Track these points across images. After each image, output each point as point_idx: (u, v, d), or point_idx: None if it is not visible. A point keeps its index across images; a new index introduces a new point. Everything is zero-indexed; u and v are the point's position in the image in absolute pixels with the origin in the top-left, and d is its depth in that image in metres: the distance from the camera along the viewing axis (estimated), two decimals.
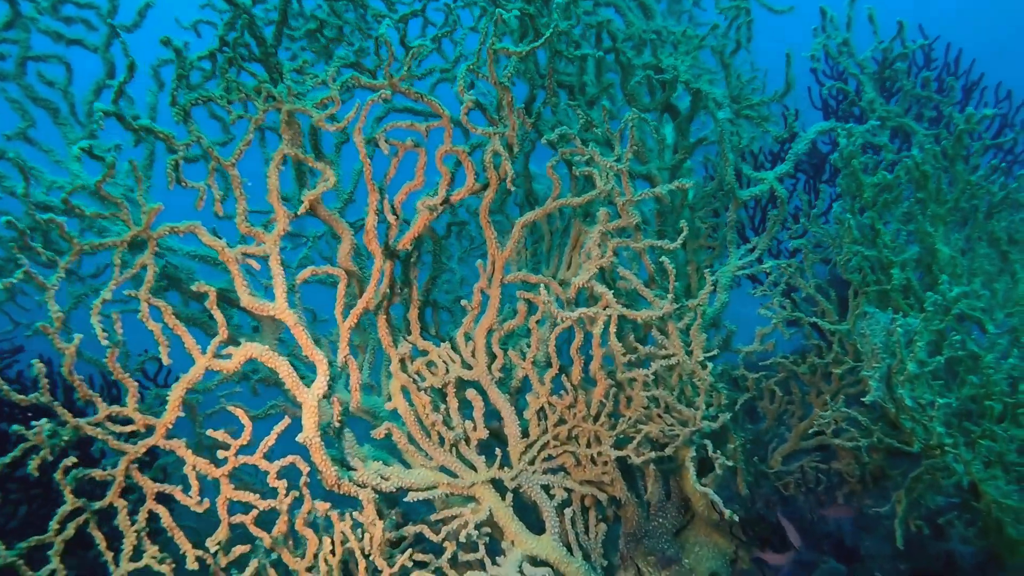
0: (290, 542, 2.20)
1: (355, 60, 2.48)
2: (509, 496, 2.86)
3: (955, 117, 2.66)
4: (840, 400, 2.79)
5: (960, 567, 2.63)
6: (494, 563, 2.77)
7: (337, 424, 2.28)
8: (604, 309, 2.48)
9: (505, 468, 2.85)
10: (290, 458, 2.08)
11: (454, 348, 2.78)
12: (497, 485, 2.90)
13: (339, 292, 2.29)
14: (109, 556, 1.86)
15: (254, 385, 3.07)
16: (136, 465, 1.96)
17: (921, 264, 2.67)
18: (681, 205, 3.26)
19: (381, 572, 2.24)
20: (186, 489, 1.96)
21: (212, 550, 1.92)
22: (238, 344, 2.05)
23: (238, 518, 2.02)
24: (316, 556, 2.20)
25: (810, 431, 3.18)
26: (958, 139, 2.68)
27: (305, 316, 3.28)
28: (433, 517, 2.64)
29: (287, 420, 2.02)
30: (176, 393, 1.89)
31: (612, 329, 2.49)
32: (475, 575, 2.65)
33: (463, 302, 2.70)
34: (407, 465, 2.75)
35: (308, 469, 2.11)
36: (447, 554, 2.55)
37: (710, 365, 2.68)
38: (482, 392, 2.83)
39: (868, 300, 2.50)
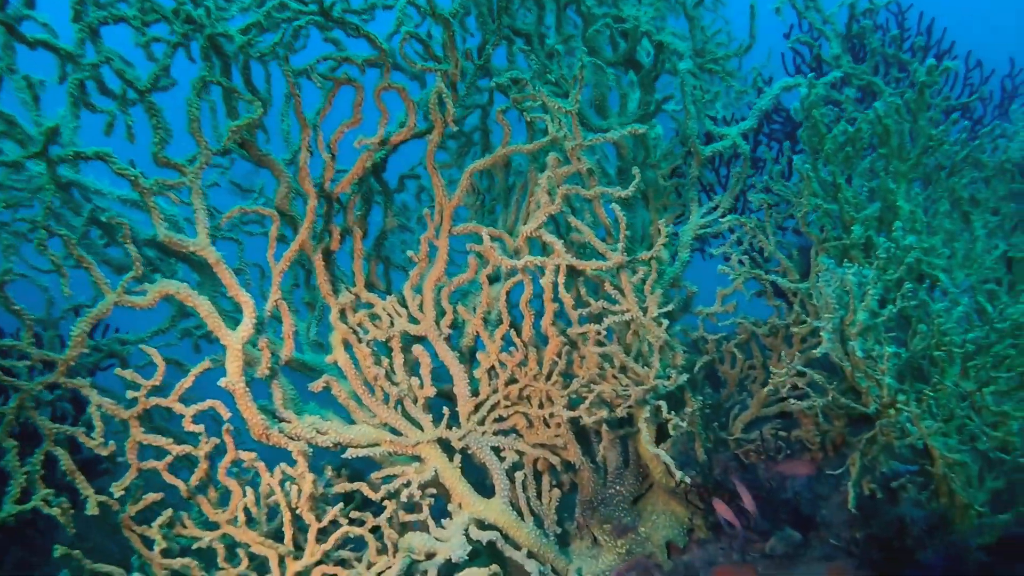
0: (212, 493, 2.09)
1: None
2: (457, 458, 2.76)
3: (917, 72, 2.56)
4: (797, 360, 2.71)
5: (911, 531, 2.55)
6: (439, 525, 2.67)
7: (266, 372, 2.17)
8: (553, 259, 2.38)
9: (453, 428, 2.76)
10: (209, 402, 1.96)
11: (401, 302, 2.67)
12: (446, 447, 2.80)
13: (271, 234, 2.18)
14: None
15: (196, 341, 2.95)
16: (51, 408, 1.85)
17: (883, 222, 2.59)
18: (644, 163, 3.16)
19: (309, 527, 2.13)
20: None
21: (116, 495, 1.81)
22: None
23: (150, 464, 1.91)
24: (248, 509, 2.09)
25: (772, 398, 3.10)
26: (920, 92, 2.59)
27: (253, 273, 3.17)
28: (374, 475, 2.54)
29: (207, 363, 1.91)
30: (80, 328, 1.77)
31: (560, 279, 2.39)
32: (417, 536, 2.55)
33: (409, 252, 2.60)
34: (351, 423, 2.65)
35: (230, 415, 2.00)
36: (387, 513, 2.45)
37: (665, 322, 2.59)
38: (431, 349, 2.74)
39: (828, 257, 2.41)
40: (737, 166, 2.95)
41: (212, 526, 2.06)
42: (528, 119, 2.56)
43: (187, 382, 1.93)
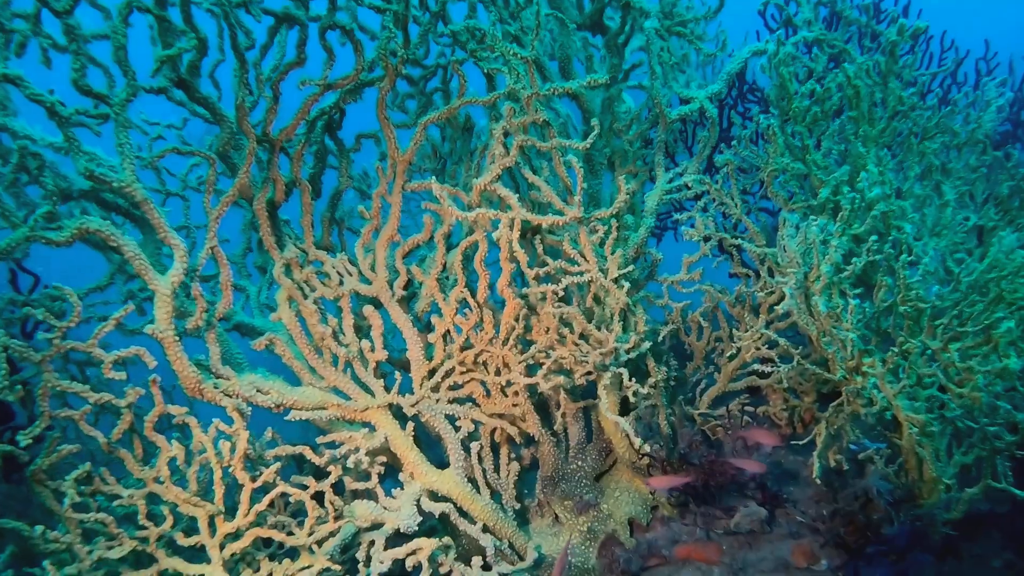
0: (139, 450, 1.96)
1: None
2: (410, 426, 2.64)
3: (888, 32, 2.49)
4: (762, 323, 2.62)
5: (877, 505, 2.47)
6: (388, 495, 2.56)
7: (199, 323, 2.05)
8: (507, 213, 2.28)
9: (407, 395, 2.64)
10: (133, 350, 1.84)
11: (352, 261, 2.56)
12: (399, 414, 2.69)
13: (208, 179, 2.06)
14: None
15: (140, 304, 2.82)
16: None
17: (852, 186, 2.51)
18: (610, 128, 3.07)
19: (242, 487, 2.01)
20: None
21: (23, 443, 1.68)
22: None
23: (64, 413, 1.78)
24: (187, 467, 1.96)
25: (739, 372, 3.01)
26: (891, 53, 2.52)
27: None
28: (319, 439, 2.42)
29: (129, 307, 1.79)
30: None
31: (515, 234, 2.29)
32: (364, 504, 2.43)
33: (359, 208, 2.49)
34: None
35: (155, 363, 1.87)
36: (331, 479, 2.32)
37: (626, 285, 2.49)
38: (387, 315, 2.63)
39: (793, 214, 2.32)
40: (705, 131, 2.86)
41: (137, 484, 1.93)
42: (485, 71, 2.45)
43: (107, 327, 1.81)
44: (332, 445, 2.50)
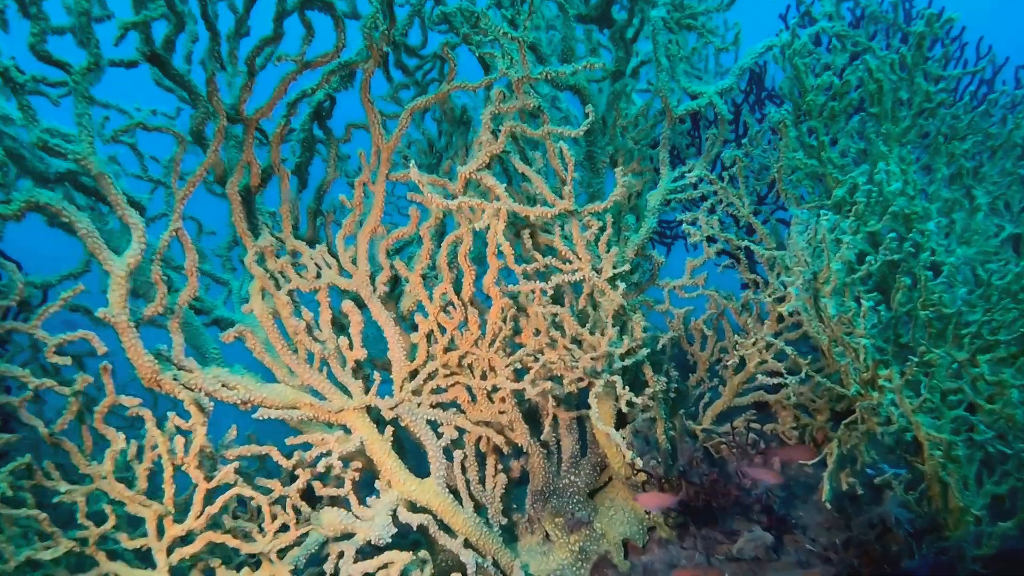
0: (88, 442, 1.83)
1: None
2: (389, 430, 2.49)
3: (916, 25, 2.32)
4: (767, 330, 2.42)
5: (895, 535, 2.25)
6: (363, 503, 2.39)
7: (159, 310, 1.92)
8: (494, 202, 2.13)
9: (386, 398, 2.49)
10: (80, 333, 1.71)
11: (332, 252, 2.42)
12: (378, 418, 2.53)
13: (175, 157, 1.94)
14: None
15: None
16: None
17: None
18: (613, 126, 2.91)
19: (196, 487, 1.86)
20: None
21: None
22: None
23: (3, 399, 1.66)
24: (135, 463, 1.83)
25: (746, 386, 2.81)
26: (918, 45, 2.34)
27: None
28: (288, 440, 2.27)
29: (79, 287, 1.66)
30: None
31: (500, 225, 2.14)
32: (333, 512, 2.27)
33: (341, 197, 2.36)
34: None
35: (105, 350, 1.75)
36: (298, 483, 2.17)
37: (622, 285, 2.32)
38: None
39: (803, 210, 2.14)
40: (714, 129, 2.69)
41: (84, 479, 1.79)
42: (479, 56, 2.32)
43: (53, 307, 1.69)
44: (304, 447, 2.35)
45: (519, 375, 2.54)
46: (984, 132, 2.55)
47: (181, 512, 1.87)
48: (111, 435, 1.83)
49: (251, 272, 2.20)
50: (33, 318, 1.68)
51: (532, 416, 2.82)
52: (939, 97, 2.30)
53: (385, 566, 2.24)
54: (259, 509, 2.17)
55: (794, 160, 2.24)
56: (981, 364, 1.74)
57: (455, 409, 2.59)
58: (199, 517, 1.83)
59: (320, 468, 2.24)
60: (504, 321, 2.41)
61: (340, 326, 2.70)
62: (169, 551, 1.81)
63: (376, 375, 2.43)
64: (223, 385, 2.12)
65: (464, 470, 2.61)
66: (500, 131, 2.12)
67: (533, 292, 2.23)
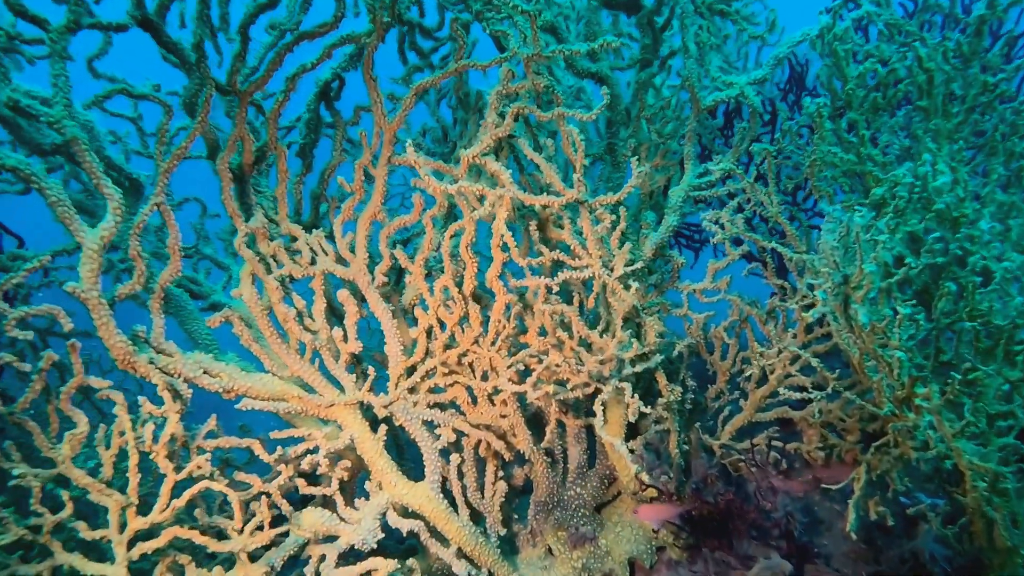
0: (54, 424, 1.73)
1: None
2: (383, 429, 2.35)
3: (974, 7, 2.10)
4: (790, 341, 2.22)
5: (930, 572, 2.02)
6: (350, 504, 2.26)
7: (138, 287, 1.82)
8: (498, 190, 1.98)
9: (382, 395, 2.35)
10: (46, 307, 1.61)
11: (330, 238, 2.30)
12: (372, 416, 2.40)
13: (159, 128, 1.84)
14: None
15: (118, 275, 2.64)
16: None
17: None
18: (637, 118, 2.74)
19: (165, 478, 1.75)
20: None
21: None
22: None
23: None
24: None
25: (770, 401, 2.60)
26: (977, 31, 2.12)
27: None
28: (272, 434, 2.15)
29: (46, 258, 1.56)
30: None
31: (503, 213, 1.99)
32: (315, 513, 2.14)
33: (340, 179, 2.24)
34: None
35: (71, 327, 1.64)
36: (279, 479, 2.05)
37: (635, 285, 2.15)
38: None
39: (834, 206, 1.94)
40: (745, 123, 2.50)
41: (46, 463, 1.69)
42: (490, 32, 2.18)
43: (16, 279, 1.59)
44: (292, 442, 2.22)
45: (524, 377, 2.38)
46: None
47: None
48: (78, 418, 1.73)
49: (240, 254, 2.09)
50: None
51: (537, 422, 2.65)
52: (999, 89, 2.08)
53: (368, 573, 2.11)
54: (246, 505, 2.05)
55: (829, 155, 2.04)
56: None
57: (454, 411, 2.45)
58: (164, 510, 1.72)
59: (305, 465, 2.12)
60: (508, 319, 2.25)
61: (341, 317, 2.59)
62: (129, 545, 1.70)
63: (371, 369, 2.30)
64: (204, 372, 2.01)
65: (461, 475, 2.45)
66: (508, 113, 1.97)
67: (539, 289, 2.07)
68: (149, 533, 1.77)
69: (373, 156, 2.22)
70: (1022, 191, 2.22)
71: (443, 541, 2.40)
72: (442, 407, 2.45)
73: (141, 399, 1.78)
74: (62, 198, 1.64)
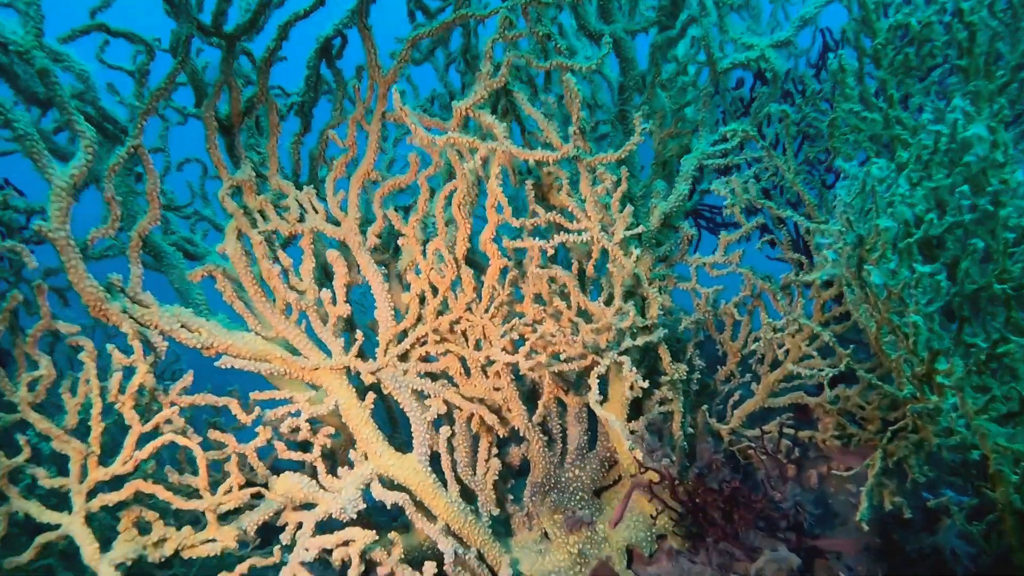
0: (20, 367, 1.67)
1: None
2: (370, 397, 2.26)
3: None
4: (798, 313, 2.06)
5: (951, 570, 1.84)
6: (331, 473, 2.17)
7: (111, 232, 1.75)
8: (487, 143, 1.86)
9: (371, 361, 2.26)
10: (9, 244, 1.56)
11: (321, 196, 2.22)
12: (361, 383, 2.31)
13: (138, 67, 1.77)
14: None
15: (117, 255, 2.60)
16: None
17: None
18: (652, 84, 2.60)
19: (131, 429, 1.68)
20: None
21: None
22: None
23: None
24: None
25: (784, 385, 2.44)
26: None
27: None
28: (253, 395, 2.07)
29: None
30: None
31: (495, 169, 1.87)
32: (293, 478, 2.05)
33: (331, 133, 2.15)
34: None
35: (35, 265, 1.58)
36: (257, 441, 1.97)
37: (636, 251, 2.02)
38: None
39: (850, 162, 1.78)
40: (766, 88, 2.34)
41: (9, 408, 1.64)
42: None
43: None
44: (272, 404, 2.15)
45: (520, 348, 2.26)
46: None
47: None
48: (43, 363, 1.67)
49: (225, 207, 2.02)
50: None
51: (536, 398, 2.54)
52: None
53: (346, 543, 2.02)
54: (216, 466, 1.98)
55: (852, 116, 1.88)
56: None
57: (446, 381, 2.34)
58: (126, 463, 1.65)
59: (284, 429, 2.03)
60: (502, 285, 2.14)
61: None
62: (89, 495, 1.64)
63: (359, 334, 2.21)
64: (183, 326, 1.94)
65: (452, 449, 2.35)
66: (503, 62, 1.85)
67: (535, 254, 1.95)
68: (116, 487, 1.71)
69: (367, 110, 2.13)
70: None
71: (432, 518, 2.30)
72: (434, 377, 2.35)
73: (110, 347, 1.72)
74: (30, 132, 1.59)
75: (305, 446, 2.28)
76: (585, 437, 2.56)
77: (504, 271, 2.13)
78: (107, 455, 1.68)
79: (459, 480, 2.40)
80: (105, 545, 1.68)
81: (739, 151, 2.38)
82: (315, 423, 2.26)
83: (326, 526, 2.07)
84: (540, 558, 2.50)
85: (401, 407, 2.31)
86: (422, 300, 2.25)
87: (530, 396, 2.57)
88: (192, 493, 1.87)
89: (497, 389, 2.32)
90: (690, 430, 2.42)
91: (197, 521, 1.87)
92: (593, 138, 2.84)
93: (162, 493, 1.69)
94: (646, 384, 1.99)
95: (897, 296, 1.45)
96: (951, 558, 1.87)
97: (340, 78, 2.49)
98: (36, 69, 1.57)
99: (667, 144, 2.58)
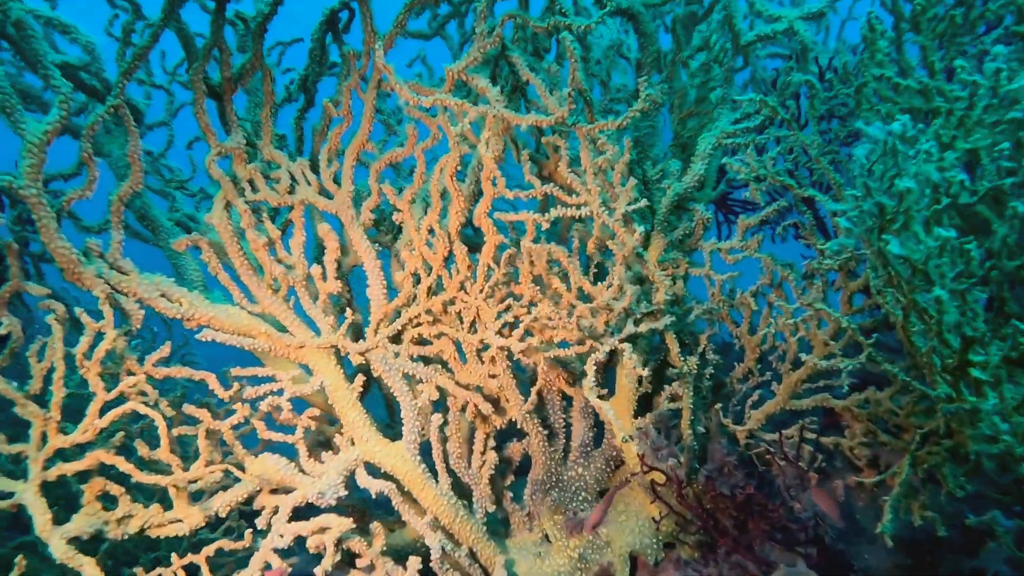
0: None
1: None
2: (359, 379, 2.16)
3: None
4: (814, 296, 1.87)
5: None
6: (313, 456, 2.07)
7: (88, 194, 1.70)
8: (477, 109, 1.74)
9: (361, 342, 2.16)
10: None
11: (314, 168, 2.14)
12: (351, 364, 2.21)
13: (122, 25, 1.72)
14: None
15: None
16: None
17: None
18: (673, 61, 2.44)
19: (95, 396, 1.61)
20: None
21: None
22: None
23: None
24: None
25: (807, 386, 2.23)
26: None
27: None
28: (234, 371, 1.99)
29: None
30: None
31: (485, 135, 1.75)
32: (271, 459, 1.96)
33: (324, 101, 2.07)
34: None
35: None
36: (234, 418, 1.89)
37: (639, 229, 1.86)
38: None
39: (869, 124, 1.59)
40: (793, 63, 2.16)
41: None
42: None
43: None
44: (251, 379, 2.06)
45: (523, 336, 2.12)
46: None
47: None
48: (6, 321, 1.62)
49: (210, 173, 1.95)
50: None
51: (539, 389, 2.39)
52: None
53: (322, 531, 1.91)
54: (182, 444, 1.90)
55: (882, 82, 1.69)
56: None
57: (439, 366, 2.23)
58: (87, 431, 1.58)
59: (264, 407, 1.95)
60: (498, 264, 2.01)
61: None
62: (47, 464, 1.57)
63: (349, 312, 2.11)
64: (163, 295, 1.87)
65: (445, 439, 2.22)
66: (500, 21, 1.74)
67: (531, 229, 1.82)
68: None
69: (362, 78, 2.04)
70: None
71: (419, 510, 2.18)
72: (428, 362, 2.23)
73: (78, 311, 1.66)
74: (3, 85, 1.54)
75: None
76: (591, 434, 2.40)
77: (502, 249, 2.00)
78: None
79: (453, 474, 2.27)
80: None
81: (761, 132, 2.20)
82: (303, 405, 2.17)
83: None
84: (538, 561, 2.35)
85: (391, 391, 2.20)
86: (418, 281, 2.14)
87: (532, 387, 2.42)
88: (164, 470, 1.79)
89: (493, 376, 2.19)
90: (702, 430, 2.24)
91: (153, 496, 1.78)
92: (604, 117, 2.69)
93: (123, 465, 1.62)
94: (647, 372, 1.82)
95: (922, 271, 1.26)
96: None
97: (344, 51, 2.41)
98: (12, 21, 1.52)
99: (686, 124, 2.42)
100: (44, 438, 1.59)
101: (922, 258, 1.23)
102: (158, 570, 1.68)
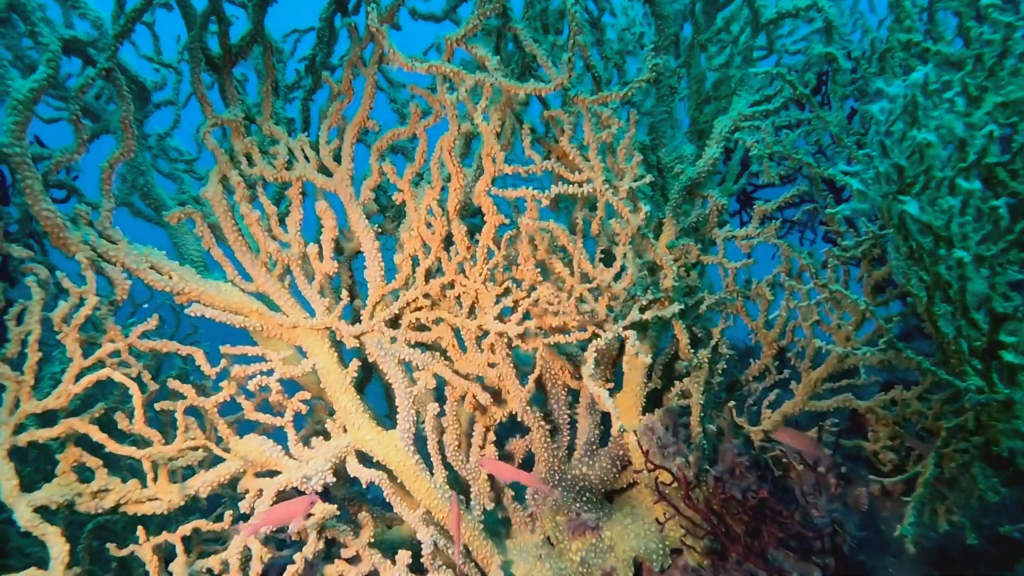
0: None
1: None
2: (355, 363, 2.08)
3: None
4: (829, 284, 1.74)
5: None
6: (302, 442, 1.99)
7: (77, 157, 1.67)
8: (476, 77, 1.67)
9: (356, 325, 2.09)
10: None
11: (314, 146, 2.08)
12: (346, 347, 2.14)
13: None
14: None
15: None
16: None
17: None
18: (691, 45, 2.35)
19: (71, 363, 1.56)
20: None
21: None
22: None
23: None
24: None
25: (827, 386, 2.09)
26: None
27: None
28: (224, 349, 1.93)
29: None
30: None
31: (482, 105, 1.68)
32: (255, 441, 1.89)
33: (324, 76, 2.02)
34: None
35: None
36: (219, 396, 1.83)
37: (646, 208, 1.76)
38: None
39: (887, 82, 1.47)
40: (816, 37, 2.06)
41: None
42: None
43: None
44: (239, 359, 2.00)
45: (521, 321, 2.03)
46: None
47: None
48: None
49: (204, 144, 1.91)
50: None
51: (545, 382, 2.29)
52: None
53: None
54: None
55: (908, 49, 1.57)
56: None
57: (438, 353, 2.14)
58: (59, 397, 1.53)
59: (251, 387, 1.88)
60: (499, 245, 1.92)
61: (341, 250, 2.37)
62: (17, 430, 1.52)
63: (345, 293, 2.04)
64: (152, 268, 1.83)
65: (441, 431, 2.13)
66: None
67: (531, 206, 1.73)
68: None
69: (362, 53, 1.99)
70: None
71: (411, 503, 2.08)
72: (426, 349, 2.15)
73: (60, 275, 1.62)
74: None
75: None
76: (597, 431, 2.29)
77: (502, 229, 1.92)
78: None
79: (450, 467, 2.17)
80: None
81: (783, 110, 2.09)
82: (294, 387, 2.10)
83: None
84: (539, 563, 2.23)
85: (386, 377, 2.12)
86: (416, 263, 2.07)
87: (538, 380, 2.32)
88: (145, 444, 1.73)
89: (492, 365, 2.10)
90: (713, 429, 2.11)
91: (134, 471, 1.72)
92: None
93: (96, 434, 1.56)
94: (649, 359, 1.71)
95: (945, 239, 1.14)
96: None
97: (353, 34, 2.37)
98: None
99: (704, 111, 2.32)
100: (17, 403, 1.54)
101: (944, 223, 1.11)
102: (131, 547, 1.62)
